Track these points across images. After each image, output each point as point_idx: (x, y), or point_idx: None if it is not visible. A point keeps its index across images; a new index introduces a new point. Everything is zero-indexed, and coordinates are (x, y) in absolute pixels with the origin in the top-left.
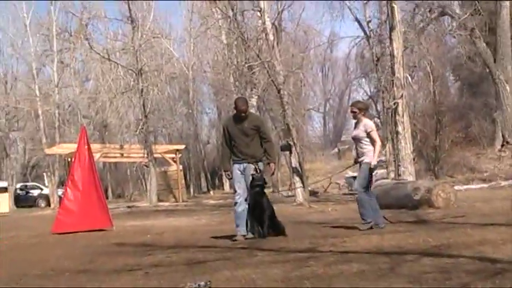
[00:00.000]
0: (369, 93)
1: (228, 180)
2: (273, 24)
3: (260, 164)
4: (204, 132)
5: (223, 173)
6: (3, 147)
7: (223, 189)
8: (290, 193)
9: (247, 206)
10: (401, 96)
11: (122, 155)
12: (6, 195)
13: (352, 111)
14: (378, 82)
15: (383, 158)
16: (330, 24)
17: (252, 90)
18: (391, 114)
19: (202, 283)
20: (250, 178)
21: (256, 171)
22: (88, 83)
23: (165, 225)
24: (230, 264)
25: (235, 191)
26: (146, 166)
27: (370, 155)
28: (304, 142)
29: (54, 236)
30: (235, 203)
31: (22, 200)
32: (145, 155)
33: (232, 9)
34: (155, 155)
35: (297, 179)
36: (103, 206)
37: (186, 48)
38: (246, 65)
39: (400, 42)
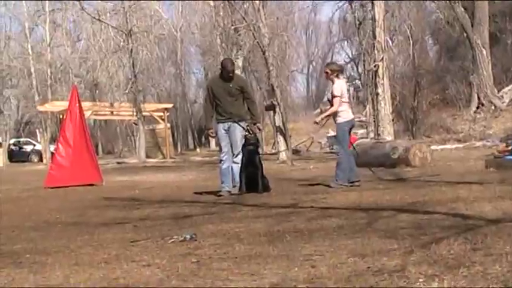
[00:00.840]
0: (351, 56)
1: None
2: None
3: (243, 123)
4: (191, 92)
5: (207, 131)
6: None
7: (209, 146)
8: (274, 151)
9: (232, 164)
10: (382, 59)
11: (112, 113)
12: (0, 150)
13: (325, 72)
14: (360, 45)
15: (363, 118)
16: None
17: (237, 51)
18: (372, 77)
19: (188, 236)
20: (243, 138)
21: (249, 132)
22: (79, 43)
23: (152, 181)
24: (215, 218)
25: (221, 149)
26: (135, 124)
27: (341, 115)
28: (287, 102)
29: (47, 190)
30: (221, 161)
31: (15, 155)
32: (135, 113)
33: None
34: (144, 114)
35: (280, 137)
36: (93, 162)
37: (175, 10)
38: (232, 27)
39: (382, 7)
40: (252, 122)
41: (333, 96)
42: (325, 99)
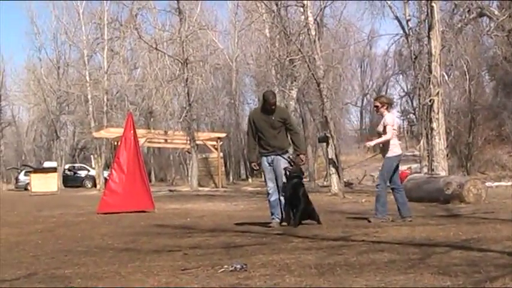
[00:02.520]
0: (406, 90)
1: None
2: (315, 19)
3: (286, 155)
4: (245, 122)
5: (250, 164)
6: (54, 129)
7: (261, 177)
8: (325, 183)
9: (281, 196)
10: (437, 93)
11: (166, 140)
12: (55, 175)
13: (375, 106)
14: (415, 79)
15: (416, 153)
16: (370, 21)
17: (292, 83)
18: (427, 111)
19: (239, 266)
20: (283, 171)
21: (290, 164)
22: (136, 70)
23: (204, 210)
24: (266, 249)
25: (266, 183)
26: (188, 152)
27: (391, 149)
28: (340, 135)
29: (99, 216)
30: (268, 194)
31: (70, 180)
32: (188, 142)
33: (276, 4)
34: (197, 142)
35: (332, 170)
36: (146, 189)
37: (231, 41)
38: (288, 59)
39: (438, 41)
40: (296, 154)
41: (385, 126)
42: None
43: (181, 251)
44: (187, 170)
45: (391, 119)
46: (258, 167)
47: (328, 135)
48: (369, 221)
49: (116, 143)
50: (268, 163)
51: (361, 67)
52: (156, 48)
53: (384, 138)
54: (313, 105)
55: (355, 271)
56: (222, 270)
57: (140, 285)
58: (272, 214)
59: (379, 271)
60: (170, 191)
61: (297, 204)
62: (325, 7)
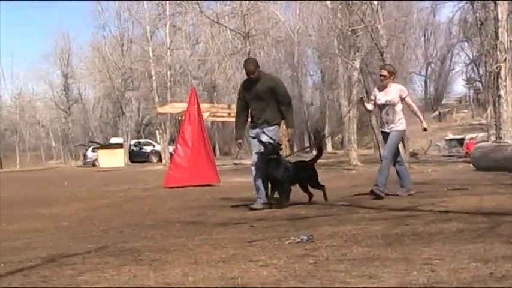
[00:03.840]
0: (471, 58)
1: (329, 140)
2: None
3: (274, 128)
4: (307, 94)
5: (236, 141)
6: (119, 105)
7: (325, 149)
8: None
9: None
10: (505, 60)
11: (229, 114)
12: (121, 150)
13: (382, 75)
14: (481, 46)
15: (483, 121)
16: None
17: (355, 53)
18: (494, 78)
19: (305, 237)
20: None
21: (266, 146)
22: (198, 45)
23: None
24: (331, 220)
25: (251, 157)
26: None
27: (401, 123)
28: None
29: (165, 190)
30: (255, 175)
31: (136, 156)
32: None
33: None
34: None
35: None
36: (211, 163)
37: (292, 13)
38: (350, 29)
39: (505, 6)
40: (286, 127)
41: (404, 98)
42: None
43: (248, 224)
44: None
45: (405, 89)
46: (241, 146)
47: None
48: (375, 194)
49: (180, 118)
50: (253, 136)
51: (424, 35)
52: (217, 23)
53: (419, 113)
54: (377, 75)
55: (423, 241)
56: (288, 241)
57: (208, 257)
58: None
59: (448, 240)
60: (235, 164)
61: (279, 185)
62: None
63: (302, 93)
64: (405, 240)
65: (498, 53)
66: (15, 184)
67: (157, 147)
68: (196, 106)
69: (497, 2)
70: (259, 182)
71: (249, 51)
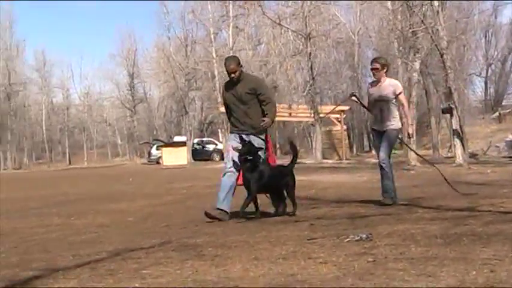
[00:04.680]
0: None
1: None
2: None
3: (263, 135)
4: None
5: None
6: (182, 105)
7: (398, 147)
8: (450, 154)
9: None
10: None
11: (290, 114)
12: (184, 149)
13: (374, 68)
14: None
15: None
16: None
17: (415, 54)
18: None
19: (364, 235)
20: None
21: (246, 144)
22: (260, 46)
23: (329, 181)
24: (390, 219)
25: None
26: (312, 125)
27: (396, 120)
28: (465, 106)
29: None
30: (225, 175)
31: (198, 154)
32: (312, 115)
33: None
34: (321, 115)
35: (457, 141)
36: (272, 161)
37: (353, 14)
38: (410, 30)
39: None
40: (264, 116)
41: (398, 94)
42: (504, 102)
43: (307, 222)
44: (312, 143)
45: (400, 85)
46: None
47: (452, 106)
48: (385, 204)
49: None
50: (242, 140)
51: (485, 37)
52: (279, 24)
53: (408, 111)
54: (437, 76)
55: (482, 241)
56: (347, 240)
57: (268, 254)
58: (219, 199)
59: (507, 241)
60: (296, 162)
61: (284, 185)
62: None
63: (362, 94)
64: (464, 240)
65: None
66: (84, 180)
67: (219, 146)
68: None
69: None
70: (224, 189)
71: (310, 53)
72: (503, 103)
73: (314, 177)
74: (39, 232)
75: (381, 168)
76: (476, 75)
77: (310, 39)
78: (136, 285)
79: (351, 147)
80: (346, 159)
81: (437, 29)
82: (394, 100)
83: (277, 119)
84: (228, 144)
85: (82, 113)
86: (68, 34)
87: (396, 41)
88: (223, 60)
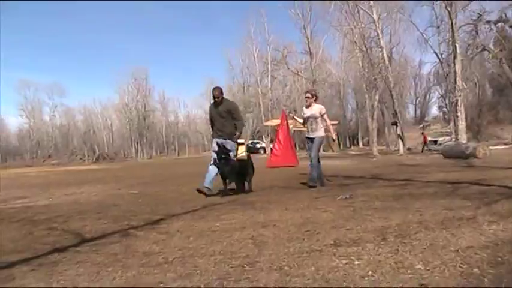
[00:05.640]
0: (441, 93)
1: (361, 140)
2: (387, 55)
3: (234, 137)
4: (348, 114)
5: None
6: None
7: (358, 145)
8: (395, 149)
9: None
10: (460, 95)
11: (304, 125)
12: (243, 146)
13: (306, 96)
14: (447, 88)
15: (448, 130)
16: (420, 54)
17: (375, 91)
18: (454, 105)
19: (348, 195)
20: (233, 150)
21: (220, 147)
22: (286, 87)
23: (326, 164)
24: (362, 186)
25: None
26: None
27: (321, 131)
28: (403, 121)
29: (268, 169)
30: (210, 165)
31: (251, 150)
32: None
33: (365, 46)
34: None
35: (400, 141)
36: (294, 153)
37: (340, 67)
38: (373, 77)
39: (459, 65)
40: (235, 130)
41: (323, 114)
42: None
43: (315, 188)
44: None
45: (324, 108)
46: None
47: (397, 121)
48: (313, 186)
49: (276, 128)
50: (217, 144)
51: (414, 80)
52: (297, 74)
53: (330, 123)
54: (388, 103)
55: (415, 198)
56: (338, 198)
57: (293, 206)
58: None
59: (429, 198)
60: (308, 154)
61: (228, 175)
62: (392, 48)
63: (345, 114)
64: (405, 197)
65: (456, 91)
66: (185, 165)
67: (263, 144)
68: (285, 122)
69: (456, 62)
70: (210, 174)
71: (315, 90)
72: (425, 119)
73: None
74: (162, 194)
75: (311, 162)
76: (410, 103)
77: (315, 82)
78: (218, 224)
79: (339, 145)
80: (336, 152)
81: (388, 76)
82: (319, 118)
83: (296, 129)
84: (212, 146)
85: (185, 127)
86: (177, 81)
87: (364, 83)
88: (211, 89)
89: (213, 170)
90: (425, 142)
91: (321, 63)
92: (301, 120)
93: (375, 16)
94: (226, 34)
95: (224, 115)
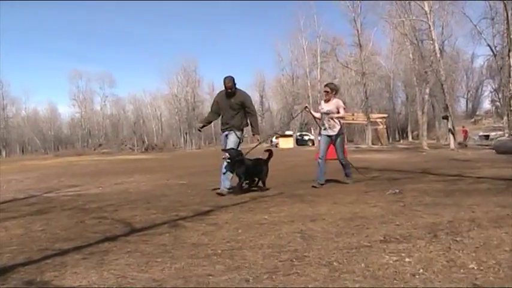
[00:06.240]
0: (494, 88)
1: (410, 134)
2: (439, 48)
3: (239, 132)
4: (397, 107)
5: (198, 127)
6: (290, 113)
7: (407, 138)
8: (446, 143)
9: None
10: None
11: (353, 119)
12: (291, 138)
13: (325, 91)
14: (500, 81)
15: (501, 125)
16: (473, 47)
17: (426, 84)
18: (508, 99)
19: (397, 190)
20: (236, 143)
21: (232, 149)
22: (335, 79)
23: (375, 158)
24: (412, 181)
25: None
26: (366, 125)
27: (339, 127)
28: (454, 115)
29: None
30: (224, 166)
31: (299, 141)
32: (365, 119)
33: (416, 38)
34: (371, 120)
35: (450, 135)
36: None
37: (389, 60)
38: (423, 70)
39: None
40: (252, 133)
41: (339, 108)
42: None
43: (364, 181)
44: (365, 135)
45: (342, 103)
46: (200, 130)
47: (448, 115)
48: (314, 187)
49: None
50: (225, 137)
51: (466, 74)
52: (346, 66)
53: (342, 115)
54: (438, 97)
55: (467, 194)
56: (388, 193)
57: (341, 200)
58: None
59: (481, 194)
60: (356, 147)
61: (242, 175)
62: (444, 40)
63: (395, 108)
64: (456, 193)
65: (510, 85)
66: None
67: (311, 137)
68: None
69: (510, 56)
70: (225, 175)
71: (364, 83)
72: (476, 113)
73: (367, 155)
74: (210, 184)
75: (320, 160)
76: (461, 97)
77: (364, 74)
78: (266, 216)
79: (388, 138)
80: (385, 145)
81: (439, 70)
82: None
83: (343, 121)
84: (222, 138)
85: None
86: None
87: (415, 76)
88: (223, 79)
89: (228, 172)
90: (465, 137)
91: (370, 55)
92: (317, 115)
93: (426, 8)
94: (275, 26)
95: (236, 107)
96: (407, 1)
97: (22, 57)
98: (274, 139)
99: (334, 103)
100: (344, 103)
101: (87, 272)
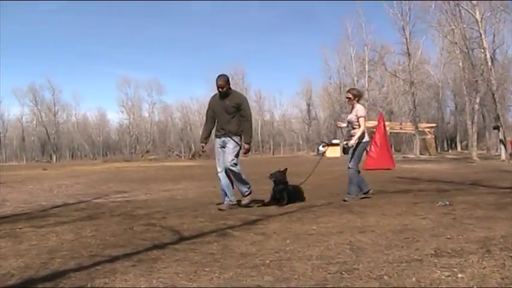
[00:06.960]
0: None
1: (459, 144)
2: (490, 56)
3: (237, 138)
4: (446, 117)
5: (201, 145)
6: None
7: (456, 148)
8: (497, 154)
9: (229, 172)
10: None
11: (401, 128)
12: (338, 147)
13: (347, 97)
14: None
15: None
16: None
17: (476, 94)
18: None
19: (447, 202)
20: (235, 151)
21: (278, 172)
22: (383, 88)
23: (423, 168)
24: (463, 193)
25: (216, 165)
26: (414, 134)
27: (364, 135)
28: (506, 125)
29: (363, 171)
30: (218, 176)
31: (345, 150)
32: (414, 129)
33: (466, 47)
34: (419, 129)
35: (501, 146)
36: (390, 156)
37: (438, 69)
38: (474, 79)
39: None
40: (244, 142)
41: (359, 117)
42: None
43: (412, 192)
44: (413, 145)
45: (363, 111)
46: (204, 149)
47: (499, 125)
48: (345, 201)
49: (372, 130)
50: (220, 145)
51: None
52: (395, 75)
53: (360, 131)
54: (489, 107)
55: None
56: (438, 204)
57: (390, 211)
58: (226, 195)
59: None
60: (403, 157)
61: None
62: (496, 48)
63: (443, 117)
64: (509, 207)
65: None
66: (281, 163)
67: None
68: (382, 123)
69: None
70: (224, 187)
71: (413, 92)
72: None
73: (415, 166)
74: (257, 193)
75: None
76: None
77: (413, 83)
78: (314, 227)
79: (437, 148)
80: (434, 155)
81: (490, 79)
82: (357, 122)
83: (393, 131)
84: (216, 147)
85: (280, 126)
86: (273, 80)
87: (465, 85)
88: (216, 78)
89: (224, 182)
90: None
91: (419, 64)
92: (343, 125)
93: (477, 16)
94: (323, 34)
95: (231, 110)
96: (457, 9)
97: (73, 65)
98: (321, 147)
99: (354, 111)
100: (364, 107)
101: (137, 280)
